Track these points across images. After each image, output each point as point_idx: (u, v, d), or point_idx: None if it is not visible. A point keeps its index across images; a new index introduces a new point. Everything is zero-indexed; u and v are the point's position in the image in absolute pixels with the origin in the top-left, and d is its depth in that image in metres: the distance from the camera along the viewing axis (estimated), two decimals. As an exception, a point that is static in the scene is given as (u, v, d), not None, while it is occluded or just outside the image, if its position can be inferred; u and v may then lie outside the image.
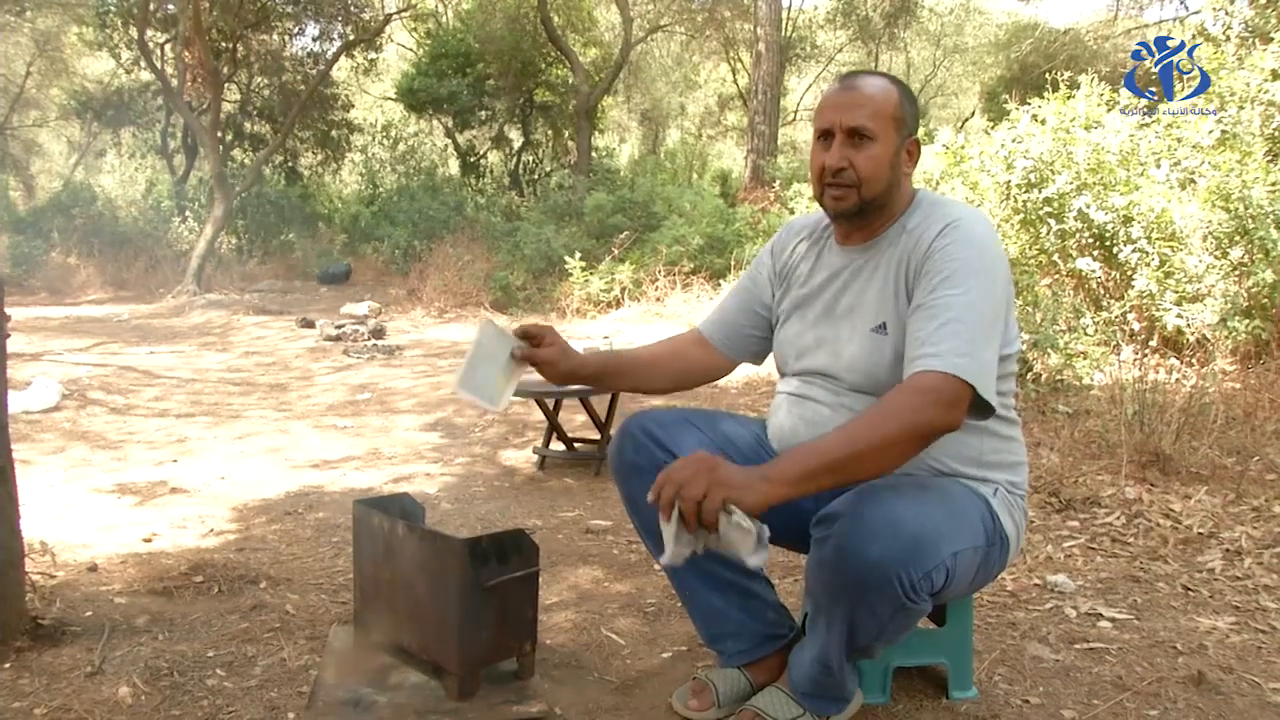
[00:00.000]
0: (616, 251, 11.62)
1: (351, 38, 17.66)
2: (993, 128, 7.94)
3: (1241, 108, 6.38)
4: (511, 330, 1.98)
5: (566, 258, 11.24)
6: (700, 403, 5.90)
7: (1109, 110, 6.90)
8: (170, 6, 16.63)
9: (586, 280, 11.12)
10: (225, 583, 2.90)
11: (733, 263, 11.03)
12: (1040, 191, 6.35)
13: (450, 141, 20.68)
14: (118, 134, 21.14)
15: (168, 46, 17.50)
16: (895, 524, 1.65)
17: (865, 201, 1.87)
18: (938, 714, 2.11)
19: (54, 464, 4.80)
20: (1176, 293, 5.77)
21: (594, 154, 18.25)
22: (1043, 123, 6.75)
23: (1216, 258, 5.79)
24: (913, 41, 23.66)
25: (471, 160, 20.33)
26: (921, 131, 12.54)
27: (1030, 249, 6.67)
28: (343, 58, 18.11)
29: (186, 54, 15.84)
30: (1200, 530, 3.25)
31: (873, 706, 2.10)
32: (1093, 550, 3.18)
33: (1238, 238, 5.72)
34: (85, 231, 17.17)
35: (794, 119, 23.48)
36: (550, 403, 4.50)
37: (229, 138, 18.90)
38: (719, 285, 10.71)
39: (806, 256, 2.08)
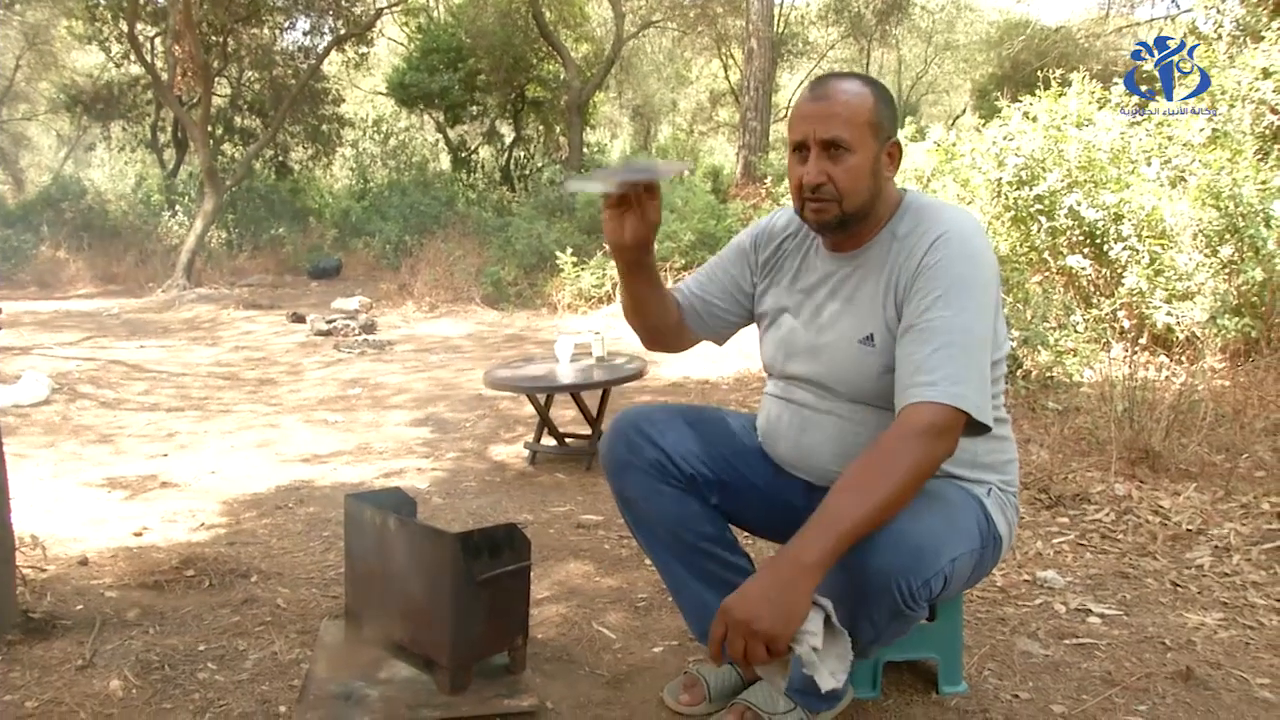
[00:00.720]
0: (607, 247, 11.61)
1: (342, 32, 17.60)
2: (984, 125, 7.96)
3: (1232, 106, 6.40)
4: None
5: (558, 253, 11.22)
6: (692, 398, 5.91)
7: (1100, 108, 6.91)
8: (160, 0, 16.55)
9: (578, 275, 11.10)
10: (216, 576, 2.90)
11: (724, 259, 11.00)
12: (1031, 189, 6.36)
13: (441, 136, 20.62)
14: (107, 128, 21.00)
15: (158, 40, 17.40)
16: (897, 533, 1.65)
17: (847, 214, 1.82)
18: (928, 709, 2.12)
19: (44, 458, 4.79)
20: (1166, 290, 5.78)
21: (585, 149, 18.21)
22: (1034, 120, 6.76)
23: (1206, 256, 5.81)
24: (904, 38, 23.71)
25: (463, 155, 20.29)
26: (913, 128, 12.54)
27: (1021, 246, 6.68)
28: (333, 52, 18.04)
29: (177, 48, 15.72)
30: (1189, 527, 3.26)
31: (863, 701, 2.10)
32: (1082, 546, 3.19)
33: (1228, 236, 5.74)
34: (75, 225, 17.07)
35: (786, 115, 23.47)
36: (541, 398, 4.50)
37: (219, 132, 18.80)
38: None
39: (793, 256, 2.04)
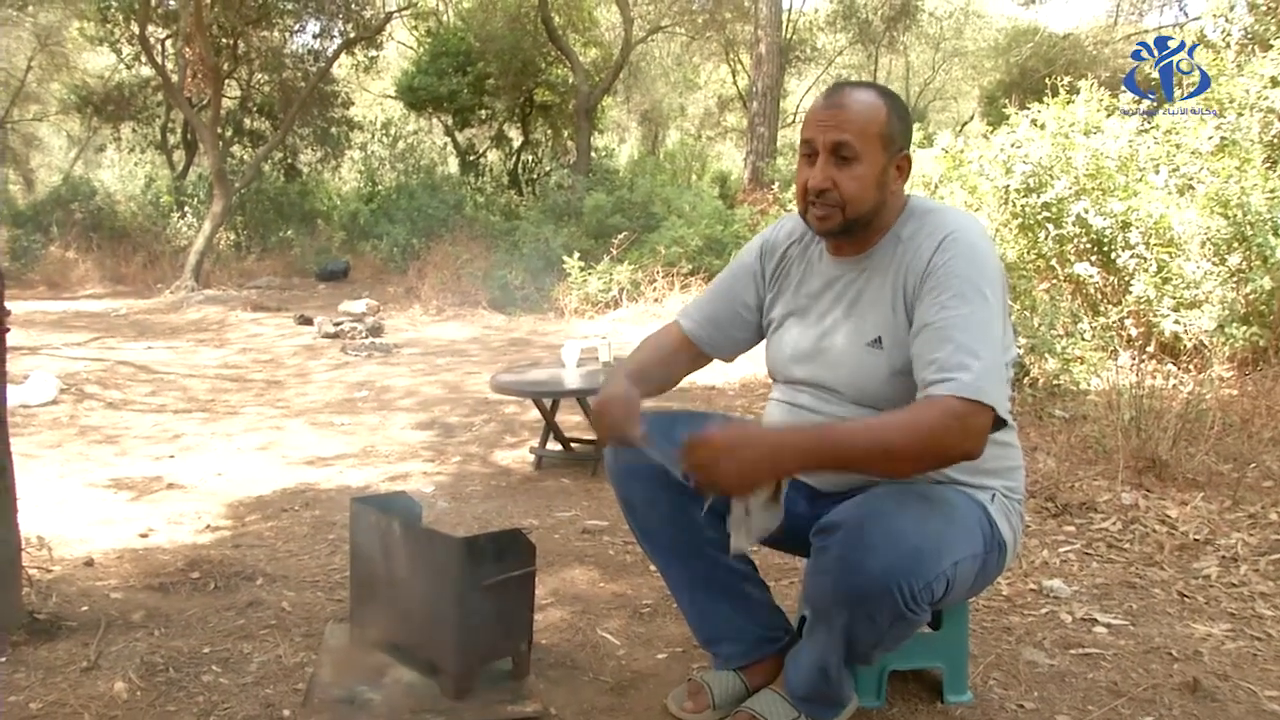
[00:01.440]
0: (615, 252, 11.61)
1: (352, 35, 17.63)
2: (992, 132, 7.94)
3: (1241, 114, 6.38)
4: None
5: (565, 257, 11.23)
6: (697, 404, 5.90)
7: (1108, 115, 6.89)
8: (171, 2, 16.58)
9: (585, 280, 11.12)
10: (221, 579, 2.91)
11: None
12: (1039, 196, 6.35)
13: (450, 140, 20.66)
14: (118, 129, 21.06)
15: (169, 42, 17.46)
16: (896, 535, 1.65)
17: (850, 221, 1.83)
18: (933, 718, 2.11)
19: (51, 458, 4.80)
20: (1174, 299, 5.77)
21: (593, 154, 18.24)
22: (1042, 127, 6.75)
23: (1214, 264, 5.79)
24: (912, 44, 23.68)
25: (471, 159, 20.32)
26: (921, 135, 12.52)
27: (1028, 254, 6.67)
28: (343, 55, 18.07)
29: (187, 50, 15.79)
30: (1196, 536, 3.25)
31: (868, 710, 2.10)
32: (1089, 556, 3.18)
33: (1236, 244, 5.72)
34: (84, 226, 17.12)
35: (794, 121, 23.44)
36: (547, 402, 4.50)
37: (229, 134, 18.86)
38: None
39: (797, 262, 2.04)
